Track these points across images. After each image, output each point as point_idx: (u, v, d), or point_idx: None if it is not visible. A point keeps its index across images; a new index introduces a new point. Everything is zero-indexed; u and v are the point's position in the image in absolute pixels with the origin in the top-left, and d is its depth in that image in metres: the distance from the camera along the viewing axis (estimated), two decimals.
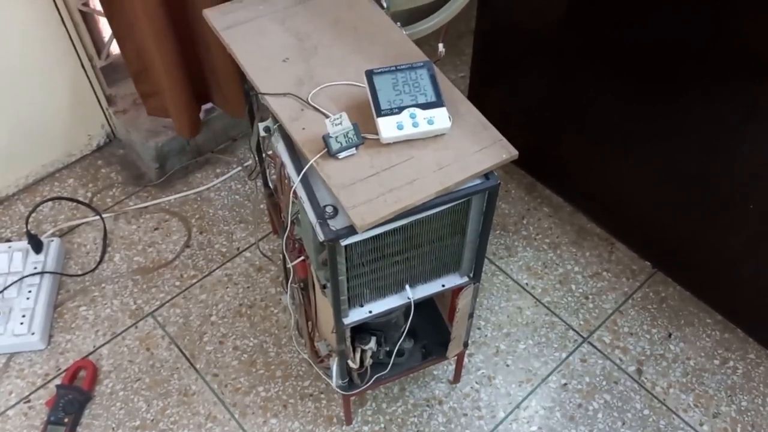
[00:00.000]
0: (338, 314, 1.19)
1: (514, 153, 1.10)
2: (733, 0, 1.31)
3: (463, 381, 1.63)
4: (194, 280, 1.80)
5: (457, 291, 1.31)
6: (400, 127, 1.09)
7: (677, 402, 1.61)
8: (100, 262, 1.83)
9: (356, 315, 1.22)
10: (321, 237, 1.03)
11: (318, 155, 1.08)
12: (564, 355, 1.68)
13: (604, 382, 1.64)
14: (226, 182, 2.02)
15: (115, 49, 1.94)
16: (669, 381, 1.65)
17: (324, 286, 1.21)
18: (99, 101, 1.99)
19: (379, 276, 1.19)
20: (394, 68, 1.13)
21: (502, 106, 1.99)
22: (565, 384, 1.63)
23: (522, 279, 1.82)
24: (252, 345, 1.68)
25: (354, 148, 1.08)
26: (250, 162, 2.05)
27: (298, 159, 1.12)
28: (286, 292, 1.46)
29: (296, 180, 1.09)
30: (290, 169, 1.13)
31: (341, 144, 1.07)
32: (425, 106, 1.10)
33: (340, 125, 1.07)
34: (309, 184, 1.09)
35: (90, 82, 1.92)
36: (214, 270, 1.82)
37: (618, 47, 1.55)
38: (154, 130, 1.97)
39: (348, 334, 1.26)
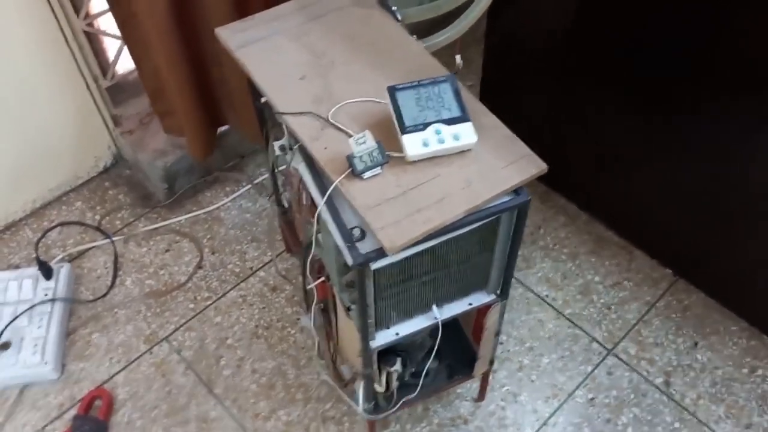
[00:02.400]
0: (365, 338, 1.15)
1: (542, 167, 1.07)
2: (737, 11, 1.29)
3: (487, 399, 1.59)
4: (208, 302, 1.76)
5: (484, 309, 1.27)
6: (425, 144, 1.05)
7: (708, 414, 1.57)
8: (111, 287, 1.79)
9: (383, 338, 1.19)
10: (350, 261, 0.99)
11: (342, 176, 1.04)
12: (589, 369, 1.65)
13: (632, 395, 1.61)
14: (236, 201, 1.98)
15: (120, 68, 1.91)
16: (698, 392, 1.61)
17: (348, 308, 1.17)
18: (105, 122, 1.95)
19: (406, 297, 1.15)
20: (416, 83, 1.09)
21: (513, 115, 1.96)
22: (592, 398, 1.60)
23: (542, 291, 1.79)
24: (270, 368, 1.64)
25: (379, 167, 1.05)
26: (263, 179, 2.02)
27: (321, 179, 1.09)
28: (306, 314, 1.42)
29: (321, 202, 1.06)
30: (313, 190, 1.09)
31: (366, 163, 1.04)
32: (450, 122, 1.07)
33: (364, 144, 1.04)
34: (333, 206, 1.05)
35: (95, 102, 1.89)
36: (228, 291, 1.78)
37: (628, 58, 1.52)
38: (162, 149, 1.94)
39: (375, 357, 1.22)
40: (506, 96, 1.95)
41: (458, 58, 1.36)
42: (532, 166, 1.07)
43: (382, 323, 1.18)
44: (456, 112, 1.08)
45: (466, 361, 1.43)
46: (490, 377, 1.61)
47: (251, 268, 1.83)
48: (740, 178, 1.49)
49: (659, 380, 1.63)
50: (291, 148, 1.19)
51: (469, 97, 1.15)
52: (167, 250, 1.87)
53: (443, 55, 1.35)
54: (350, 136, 1.06)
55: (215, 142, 1.93)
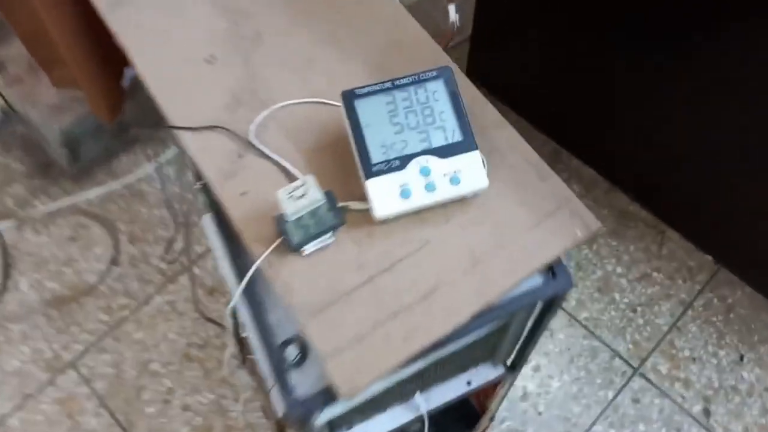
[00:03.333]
0: None
1: (594, 225, 0.66)
2: None
3: None
4: (126, 312, 1.37)
5: (488, 389, 0.90)
6: (405, 194, 0.64)
7: None
8: (1, 293, 1.39)
9: None
10: (280, 411, 0.60)
11: (269, 249, 0.63)
12: (610, 395, 1.31)
13: (664, 430, 1.28)
14: (162, 168, 1.55)
15: None
16: (745, 423, 1.29)
17: None
18: None
19: (376, 400, 0.78)
20: (390, 85, 0.66)
21: (511, 66, 1.53)
22: None
23: None
24: (207, 403, 1.28)
25: (329, 234, 0.64)
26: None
27: (237, 249, 0.67)
28: (243, 367, 1.04)
29: (235, 292, 0.65)
30: (224, 266, 0.68)
31: (307, 230, 0.63)
32: (446, 152, 0.65)
33: (303, 199, 0.62)
34: (256, 298, 0.65)
35: None
36: (152, 296, 1.39)
37: None
38: (59, 105, 1.48)
39: None
40: (502, 45, 1.50)
41: (452, 9, 0.91)
42: (578, 223, 0.66)
43: (341, 426, 0.81)
44: (455, 135, 0.66)
45: (461, 419, 1.09)
46: None
47: (182, 263, 1.43)
48: None
49: (697, 408, 1.31)
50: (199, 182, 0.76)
51: (474, 96, 0.72)
52: (73, 239, 1.46)
53: (430, 9, 0.90)
54: (284, 171, 0.64)
55: (124, 94, 1.46)
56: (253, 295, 0.65)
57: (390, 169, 0.64)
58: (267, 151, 0.68)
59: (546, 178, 0.69)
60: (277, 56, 0.76)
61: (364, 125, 0.65)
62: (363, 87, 0.65)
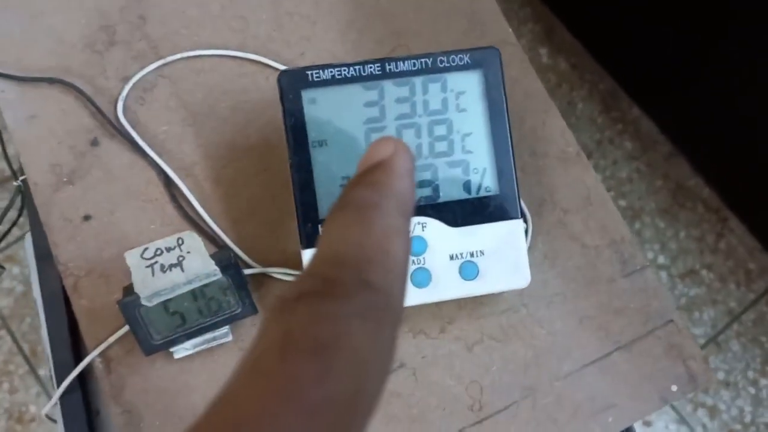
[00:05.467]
0: None
1: (703, 378, 0.37)
2: None
3: None
4: None
5: None
6: None
7: None
8: None
9: None
10: None
11: (102, 346, 0.34)
12: None
13: None
14: None
15: None
16: None
17: None
18: None
19: None
20: (376, 68, 0.34)
21: None
22: None
23: None
24: None
25: (224, 329, 0.35)
26: None
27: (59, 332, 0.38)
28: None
29: (54, 395, 0.37)
30: (47, 338, 0.39)
31: (179, 322, 0.34)
32: (462, 214, 0.34)
33: (175, 269, 0.33)
34: (92, 404, 0.37)
35: None
36: None
37: None
38: None
39: None
40: None
41: None
42: (676, 366, 0.37)
43: None
44: (484, 179, 0.35)
45: None
46: None
47: None
48: None
49: None
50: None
51: (534, 88, 0.40)
52: None
53: None
54: (167, 184, 0.34)
55: None
56: (87, 396, 0.38)
57: None
58: (143, 145, 0.38)
59: (630, 266, 0.39)
60: None
61: (315, 141, 0.34)
62: (322, 66, 0.33)
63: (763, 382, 1.12)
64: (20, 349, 1.04)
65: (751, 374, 1.12)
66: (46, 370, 1.01)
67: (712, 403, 1.10)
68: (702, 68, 1.07)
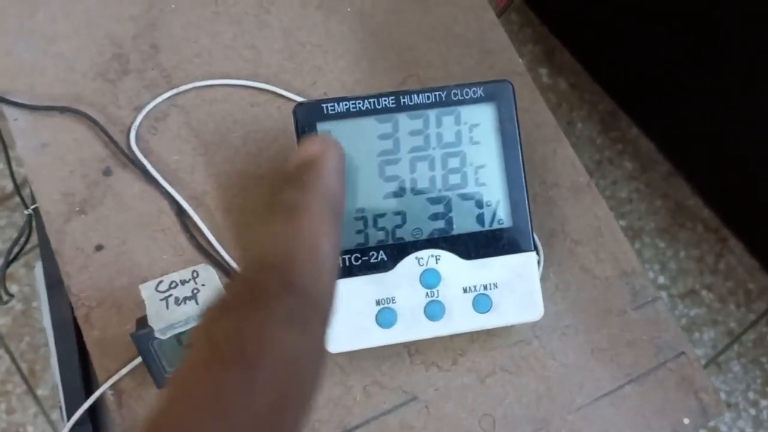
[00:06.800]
0: None
1: (714, 410, 0.37)
2: None
3: None
4: None
5: None
6: (386, 320, 0.34)
7: None
8: None
9: None
10: None
11: (113, 378, 0.34)
12: None
13: None
14: None
15: None
16: None
17: None
18: None
19: None
20: (390, 101, 0.34)
21: None
22: None
23: None
24: None
25: None
26: None
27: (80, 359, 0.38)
28: None
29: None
30: (57, 370, 0.39)
31: None
32: (475, 247, 0.34)
33: (191, 301, 0.33)
34: None
35: None
36: None
37: None
38: None
39: None
40: None
41: None
42: (687, 398, 0.37)
43: None
44: (498, 212, 0.35)
45: None
46: None
47: None
48: None
49: None
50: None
51: (541, 118, 0.40)
52: None
53: None
54: (181, 214, 0.34)
55: None
56: (97, 429, 0.37)
57: (366, 267, 0.34)
58: (156, 174, 0.38)
59: (641, 298, 0.39)
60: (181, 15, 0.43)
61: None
62: (337, 99, 0.34)
63: (763, 403, 1.12)
64: (18, 369, 1.03)
65: (751, 395, 1.12)
66: (44, 390, 1.01)
67: (713, 425, 1.10)
68: (700, 85, 1.08)
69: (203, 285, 0.32)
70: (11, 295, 0.40)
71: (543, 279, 0.37)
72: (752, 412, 1.11)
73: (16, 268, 1.03)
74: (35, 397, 1.00)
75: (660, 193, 1.22)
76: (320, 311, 0.18)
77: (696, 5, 0.97)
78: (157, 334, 0.32)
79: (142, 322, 0.33)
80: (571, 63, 1.23)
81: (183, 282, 0.32)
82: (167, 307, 0.32)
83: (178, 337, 0.33)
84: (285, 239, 0.19)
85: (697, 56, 1.03)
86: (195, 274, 0.32)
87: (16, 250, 0.43)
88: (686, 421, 0.36)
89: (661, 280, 1.17)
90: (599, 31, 1.18)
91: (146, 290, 0.32)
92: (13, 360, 1.02)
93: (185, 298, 0.32)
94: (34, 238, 0.51)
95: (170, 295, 0.32)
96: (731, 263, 1.19)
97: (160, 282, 0.32)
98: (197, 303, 0.32)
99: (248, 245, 0.18)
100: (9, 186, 1.07)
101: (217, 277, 0.33)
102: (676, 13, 1.01)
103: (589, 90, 1.25)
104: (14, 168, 0.46)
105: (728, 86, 1.02)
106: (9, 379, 1.02)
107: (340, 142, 0.22)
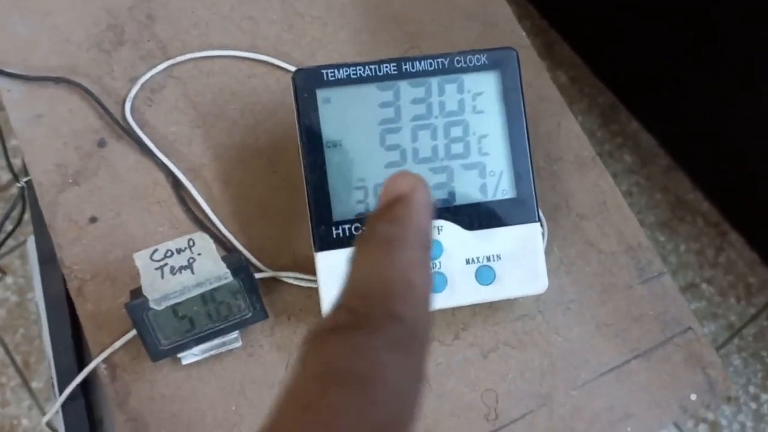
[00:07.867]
0: None
1: (724, 387, 0.36)
2: None
3: None
4: None
5: None
6: None
7: None
8: None
9: None
10: None
11: (107, 351, 0.33)
12: None
13: None
14: None
15: None
16: None
17: None
18: None
19: None
20: (392, 67, 0.33)
21: None
22: None
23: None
24: None
25: (234, 334, 0.34)
26: None
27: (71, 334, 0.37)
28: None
29: (56, 402, 0.36)
30: (49, 343, 0.38)
31: (188, 327, 0.33)
32: (479, 217, 0.34)
33: (186, 271, 0.32)
34: (96, 412, 0.36)
35: None
36: None
37: None
38: None
39: None
40: None
41: None
42: (695, 373, 0.36)
43: None
44: (501, 182, 0.34)
45: None
46: None
47: None
48: None
49: None
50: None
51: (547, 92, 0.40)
52: None
53: None
54: (177, 186, 0.33)
55: None
56: (90, 405, 0.36)
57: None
58: (151, 146, 0.37)
59: (647, 273, 0.38)
60: None
61: (329, 142, 0.33)
62: (337, 66, 0.33)
63: (764, 397, 1.12)
64: (13, 361, 1.02)
65: (752, 389, 1.12)
66: (39, 382, 1.00)
67: (713, 419, 1.09)
68: (700, 80, 1.07)
69: (199, 254, 0.32)
70: (4, 272, 0.39)
71: (547, 254, 0.37)
72: (753, 406, 1.11)
73: (11, 259, 1.01)
74: (29, 390, 0.99)
75: (660, 186, 1.22)
76: (419, 339, 0.19)
77: (696, 2, 0.97)
78: (152, 305, 0.31)
79: (137, 292, 0.32)
80: (571, 56, 1.22)
81: (179, 251, 0.32)
82: (162, 277, 0.31)
83: (173, 308, 0.32)
84: (383, 272, 0.20)
85: (696, 53, 1.03)
86: (191, 243, 0.32)
87: (11, 227, 0.42)
88: (693, 396, 0.35)
89: None
90: (599, 27, 1.18)
91: (141, 259, 0.31)
92: (8, 352, 1.01)
93: (181, 268, 0.31)
94: (30, 232, 0.50)
95: (165, 264, 0.32)
96: (731, 257, 1.18)
97: (155, 250, 0.31)
98: (193, 272, 0.32)
99: (348, 277, 0.19)
100: (5, 177, 1.06)
101: (213, 245, 0.32)
102: (675, 10, 1.00)
103: (588, 83, 1.24)
104: (11, 160, 0.45)
105: (727, 82, 1.01)
106: (3, 372, 1.01)
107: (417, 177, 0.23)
